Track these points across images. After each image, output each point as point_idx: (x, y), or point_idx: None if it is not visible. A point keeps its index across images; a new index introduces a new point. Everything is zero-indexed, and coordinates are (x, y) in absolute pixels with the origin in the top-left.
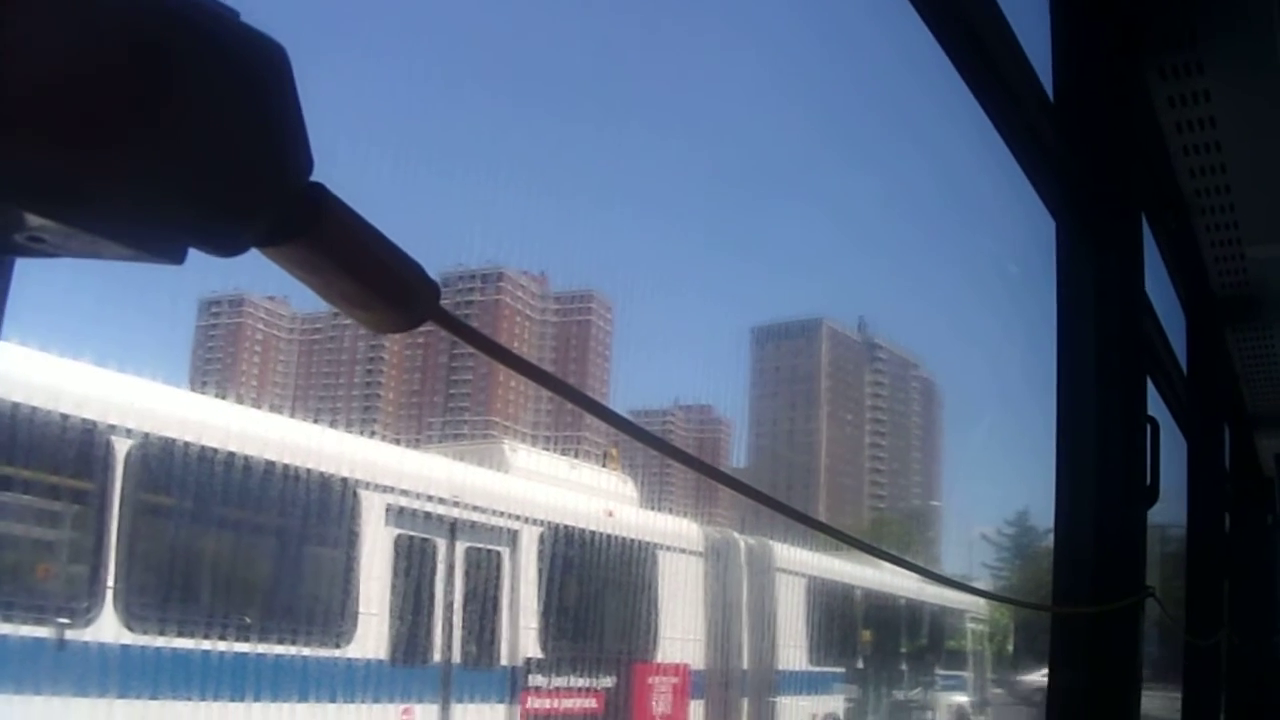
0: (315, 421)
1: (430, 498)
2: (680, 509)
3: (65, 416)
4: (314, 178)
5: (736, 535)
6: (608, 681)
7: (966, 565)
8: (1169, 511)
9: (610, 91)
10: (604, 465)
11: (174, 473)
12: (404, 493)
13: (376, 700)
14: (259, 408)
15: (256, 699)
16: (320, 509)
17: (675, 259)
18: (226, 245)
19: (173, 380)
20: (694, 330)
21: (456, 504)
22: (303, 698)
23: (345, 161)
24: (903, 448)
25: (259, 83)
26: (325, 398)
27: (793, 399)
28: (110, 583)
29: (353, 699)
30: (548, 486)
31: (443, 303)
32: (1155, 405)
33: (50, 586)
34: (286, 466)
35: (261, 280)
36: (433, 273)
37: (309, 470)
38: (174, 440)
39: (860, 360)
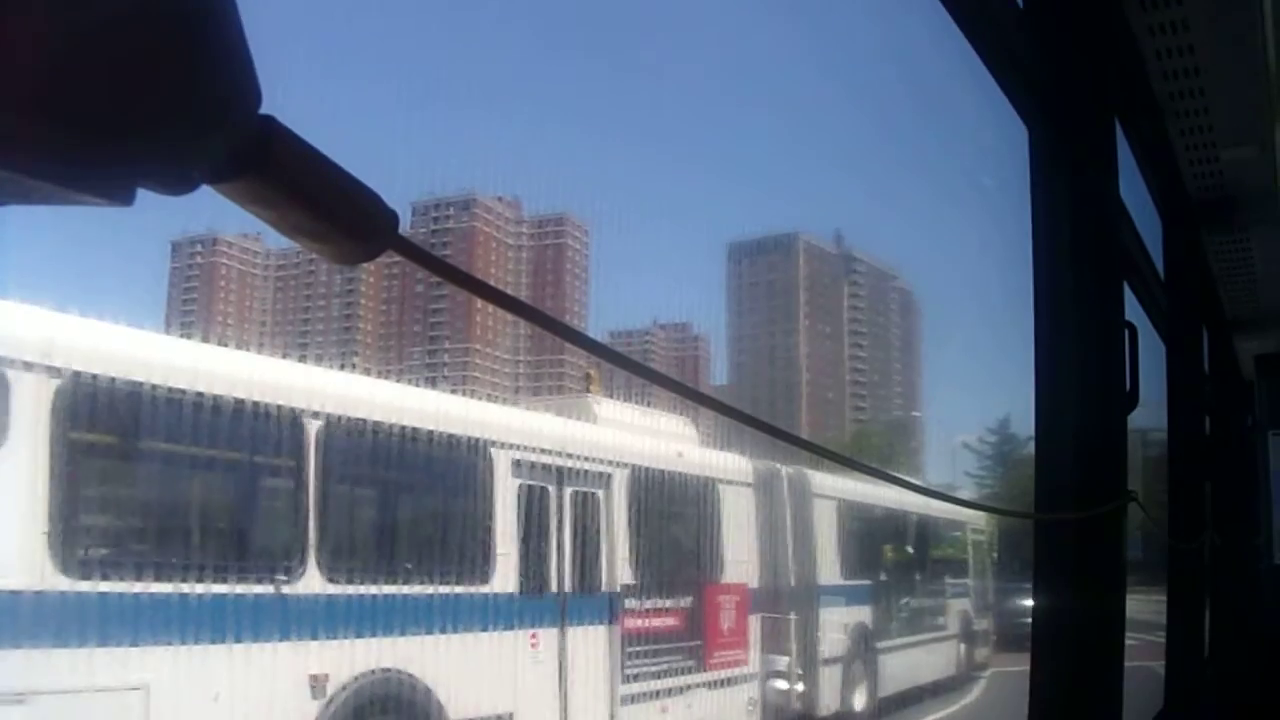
0: (409, 383)
1: (542, 450)
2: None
3: (268, 405)
4: (265, 110)
5: (779, 466)
6: (685, 601)
7: (950, 475)
8: (1150, 416)
9: (578, 7)
10: (586, 388)
11: (353, 448)
12: (523, 448)
13: (510, 628)
14: (383, 379)
15: (428, 632)
16: (464, 468)
17: (648, 178)
18: (176, 183)
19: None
20: (670, 249)
21: (561, 455)
22: (457, 629)
23: (299, 92)
24: (883, 360)
25: (202, 12)
26: (303, 332)
27: (771, 314)
28: (312, 546)
29: (496, 628)
30: (628, 434)
31: (415, 233)
32: (1133, 310)
33: (271, 552)
34: (433, 433)
35: (232, 219)
36: (403, 202)
37: (452, 435)
38: (353, 419)
39: (837, 274)
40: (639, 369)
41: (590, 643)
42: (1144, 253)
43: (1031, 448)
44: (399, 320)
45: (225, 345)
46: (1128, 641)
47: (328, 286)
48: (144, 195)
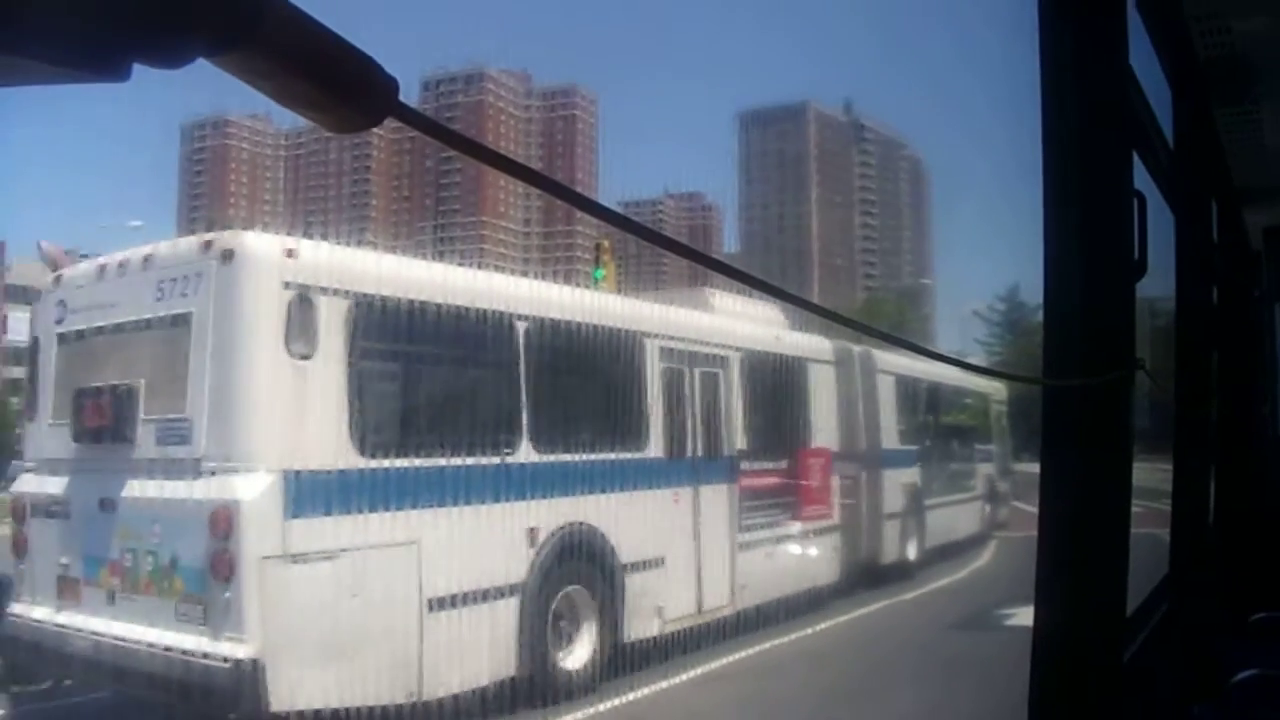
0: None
1: (679, 339)
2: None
3: (490, 312)
4: None
5: (851, 346)
6: (784, 464)
7: (960, 342)
8: (1158, 286)
9: None
10: (597, 258)
11: (547, 344)
12: (665, 337)
13: (659, 486)
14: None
15: (603, 491)
16: (626, 356)
17: (658, 46)
18: (171, 56)
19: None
20: (680, 118)
21: (692, 342)
22: (623, 488)
23: None
24: (893, 227)
25: None
26: (315, 210)
27: (782, 183)
28: (525, 426)
29: (651, 487)
30: (737, 321)
31: (425, 108)
32: (1142, 179)
33: (498, 430)
34: (599, 328)
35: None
36: (412, 78)
37: (617, 329)
38: (548, 320)
39: (847, 142)
40: (652, 235)
41: (715, 500)
42: (1154, 123)
43: (1040, 315)
44: (410, 195)
45: (454, 263)
46: (1134, 508)
47: (339, 165)
48: (141, 71)
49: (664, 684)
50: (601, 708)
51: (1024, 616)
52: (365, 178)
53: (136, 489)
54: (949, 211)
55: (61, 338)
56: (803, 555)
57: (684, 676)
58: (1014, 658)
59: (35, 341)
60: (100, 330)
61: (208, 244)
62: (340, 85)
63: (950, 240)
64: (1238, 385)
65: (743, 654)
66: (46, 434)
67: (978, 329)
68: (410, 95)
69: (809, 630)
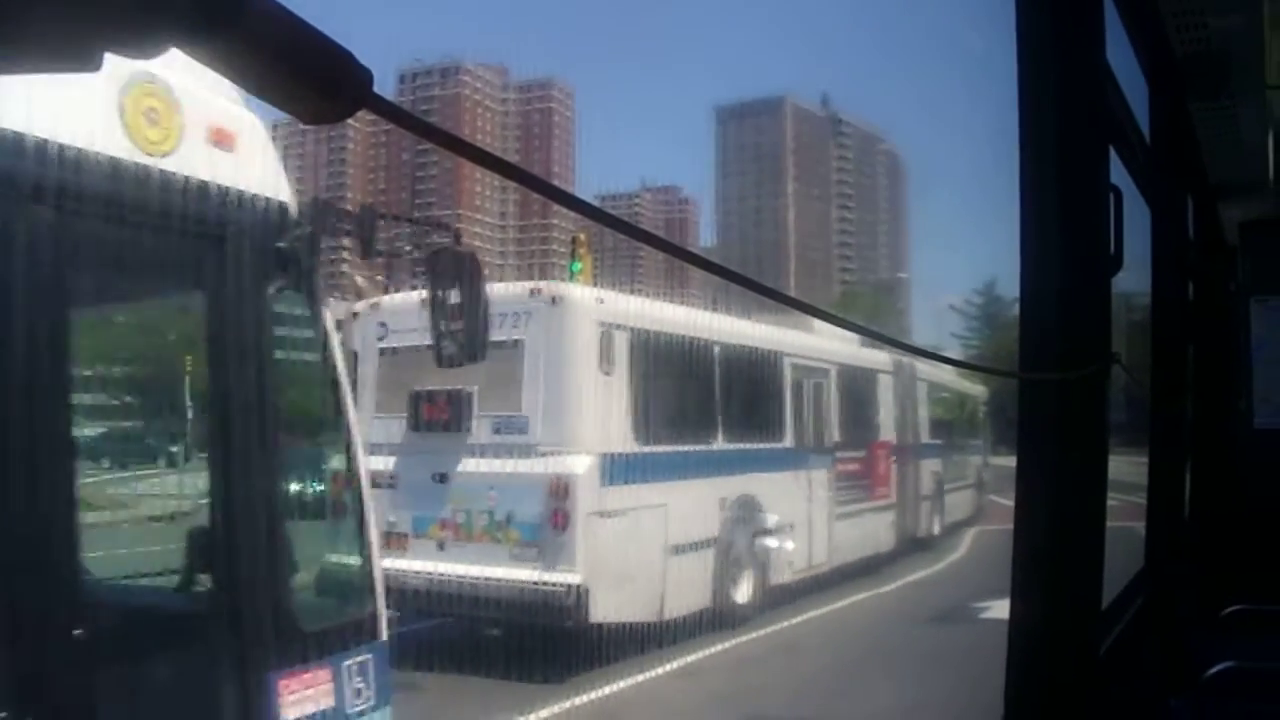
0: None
1: (800, 356)
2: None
3: (697, 339)
4: None
5: (902, 358)
6: (861, 453)
7: (936, 336)
8: (1134, 281)
9: None
10: (573, 251)
11: (729, 361)
12: (793, 355)
13: (789, 469)
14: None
15: (758, 471)
16: (771, 370)
17: (636, 37)
18: (144, 45)
19: None
20: (657, 112)
21: (808, 358)
22: (770, 469)
23: None
24: (870, 222)
25: None
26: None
27: (759, 177)
28: (719, 422)
29: (785, 469)
30: (831, 340)
31: (402, 101)
32: (1118, 174)
33: (700, 428)
34: (756, 349)
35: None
36: (389, 71)
37: (768, 350)
38: (728, 344)
39: (825, 136)
40: (628, 229)
41: (821, 480)
42: (1130, 118)
43: (1016, 310)
44: (386, 188)
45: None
46: (1110, 502)
47: (315, 158)
48: (111, 60)
49: (639, 678)
50: (576, 702)
51: (999, 610)
52: (341, 170)
53: (471, 465)
54: (925, 206)
55: (382, 351)
56: (873, 527)
57: (660, 670)
58: (990, 651)
59: (355, 353)
60: (419, 349)
61: (536, 290)
62: (315, 76)
63: (927, 234)
64: (1213, 380)
65: (718, 648)
66: (369, 424)
67: (954, 323)
68: (386, 88)
69: (784, 624)
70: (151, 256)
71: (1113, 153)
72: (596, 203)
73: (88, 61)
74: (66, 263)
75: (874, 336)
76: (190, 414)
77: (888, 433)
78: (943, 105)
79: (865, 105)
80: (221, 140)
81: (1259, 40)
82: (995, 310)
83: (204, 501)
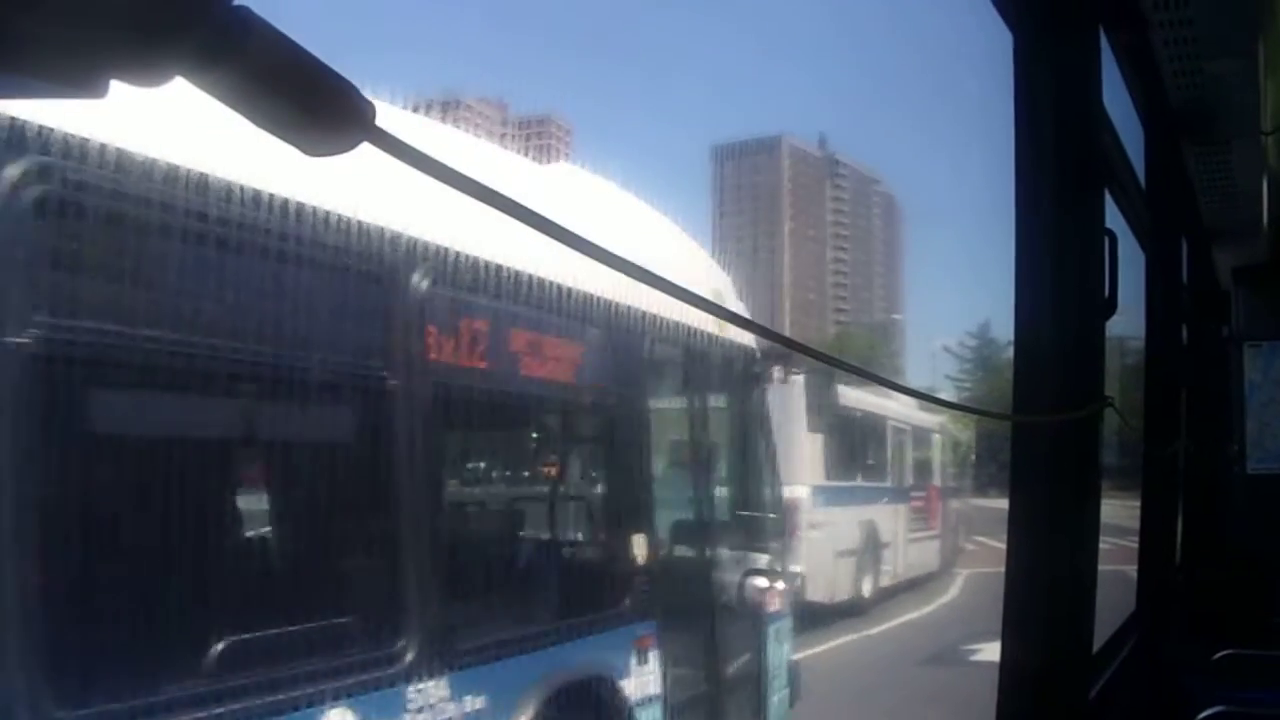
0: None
1: (895, 419)
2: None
3: (845, 405)
4: (240, 2)
5: (944, 418)
6: (921, 493)
7: (930, 378)
8: (1128, 325)
9: None
10: None
11: (862, 424)
12: (892, 419)
13: (888, 503)
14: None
15: (874, 504)
16: (880, 430)
17: (632, 81)
18: (151, 74)
19: None
20: (655, 151)
21: (898, 420)
22: (880, 502)
23: None
24: (865, 263)
25: None
26: None
27: (755, 216)
28: (860, 465)
29: (888, 503)
30: (905, 407)
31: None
32: (1114, 218)
33: (855, 471)
34: (873, 415)
35: None
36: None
37: (877, 415)
38: (862, 410)
39: (821, 177)
40: (632, 269)
41: (900, 513)
42: (1125, 162)
43: (1010, 353)
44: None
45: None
46: (1101, 545)
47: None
48: (116, 87)
49: None
50: None
51: (990, 652)
52: None
53: None
54: (921, 248)
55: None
56: (926, 552)
57: None
58: (980, 693)
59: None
60: None
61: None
62: (318, 108)
63: (921, 276)
64: (1206, 424)
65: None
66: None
67: (948, 365)
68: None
69: None
70: (704, 379)
71: (1108, 196)
72: (591, 240)
73: (94, 89)
74: (669, 381)
75: (869, 378)
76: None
77: (934, 479)
78: (939, 148)
79: (862, 147)
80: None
81: (1254, 86)
82: (989, 353)
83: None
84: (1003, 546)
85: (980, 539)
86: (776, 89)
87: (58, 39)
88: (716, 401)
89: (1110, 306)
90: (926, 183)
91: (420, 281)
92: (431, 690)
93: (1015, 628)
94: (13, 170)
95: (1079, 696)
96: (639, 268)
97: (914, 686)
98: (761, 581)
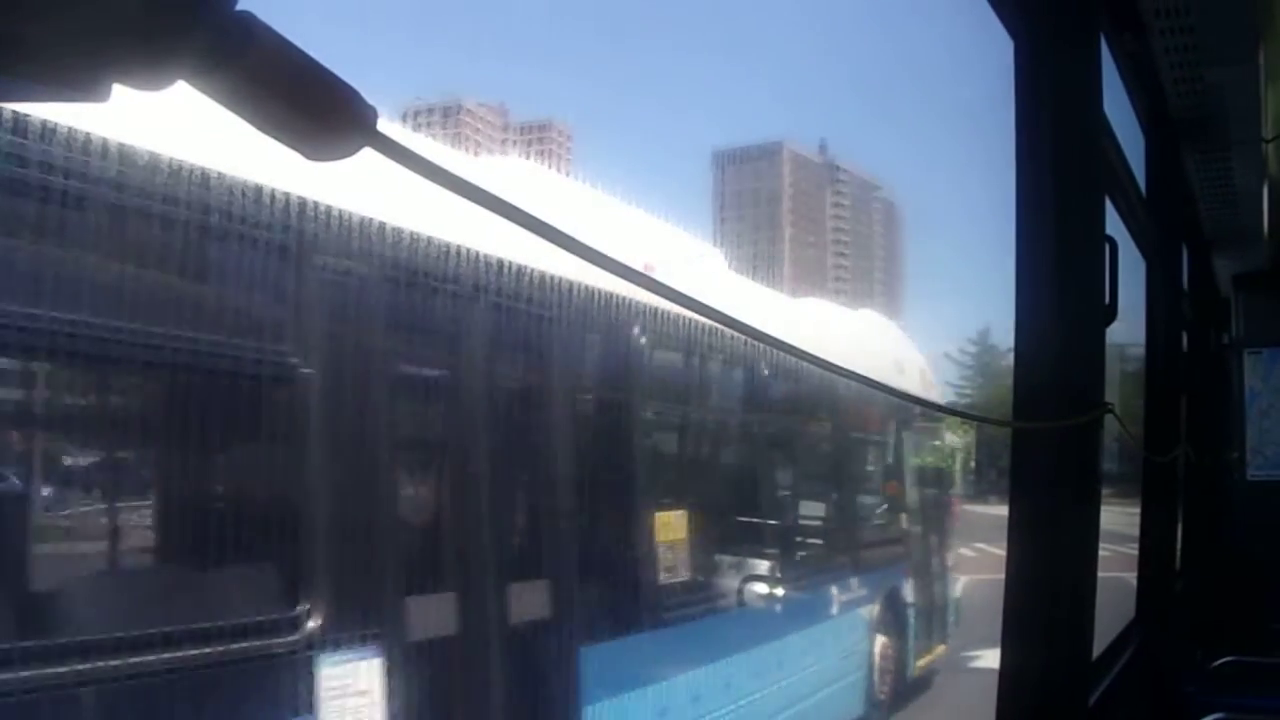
0: None
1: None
2: None
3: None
4: (243, 7)
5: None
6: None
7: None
8: (1129, 332)
9: None
10: None
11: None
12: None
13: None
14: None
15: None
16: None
17: (633, 87)
18: (154, 78)
19: None
20: (654, 155)
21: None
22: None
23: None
24: (865, 269)
25: None
26: None
27: (756, 222)
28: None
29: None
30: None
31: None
32: (1114, 225)
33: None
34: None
35: None
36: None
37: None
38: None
39: (822, 183)
40: (632, 274)
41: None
42: (1126, 169)
43: (1010, 360)
44: None
45: None
46: (1101, 552)
47: None
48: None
49: None
50: None
51: (990, 659)
52: None
53: None
54: (922, 254)
55: None
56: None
57: None
58: (979, 700)
59: None
60: None
61: None
62: (320, 113)
63: (922, 282)
64: (1206, 431)
65: None
66: None
67: (948, 371)
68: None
69: None
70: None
71: (1109, 203)
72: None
73: (96, 93)
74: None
75: (870, 384)
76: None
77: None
78: (940, 154)
79: (863, 153)
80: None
81: (1255, 93)
82: (989, 359)
83: None
84: (1002, 553)
85: (980, 545)
86: (778, 95)
87: (60, 43)
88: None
89: (1111, 313)
90: (927, 189)
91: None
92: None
93: (1015, 634)
94: None
95: (1079, 703)
96: (640, 273)
97: (914, 693)
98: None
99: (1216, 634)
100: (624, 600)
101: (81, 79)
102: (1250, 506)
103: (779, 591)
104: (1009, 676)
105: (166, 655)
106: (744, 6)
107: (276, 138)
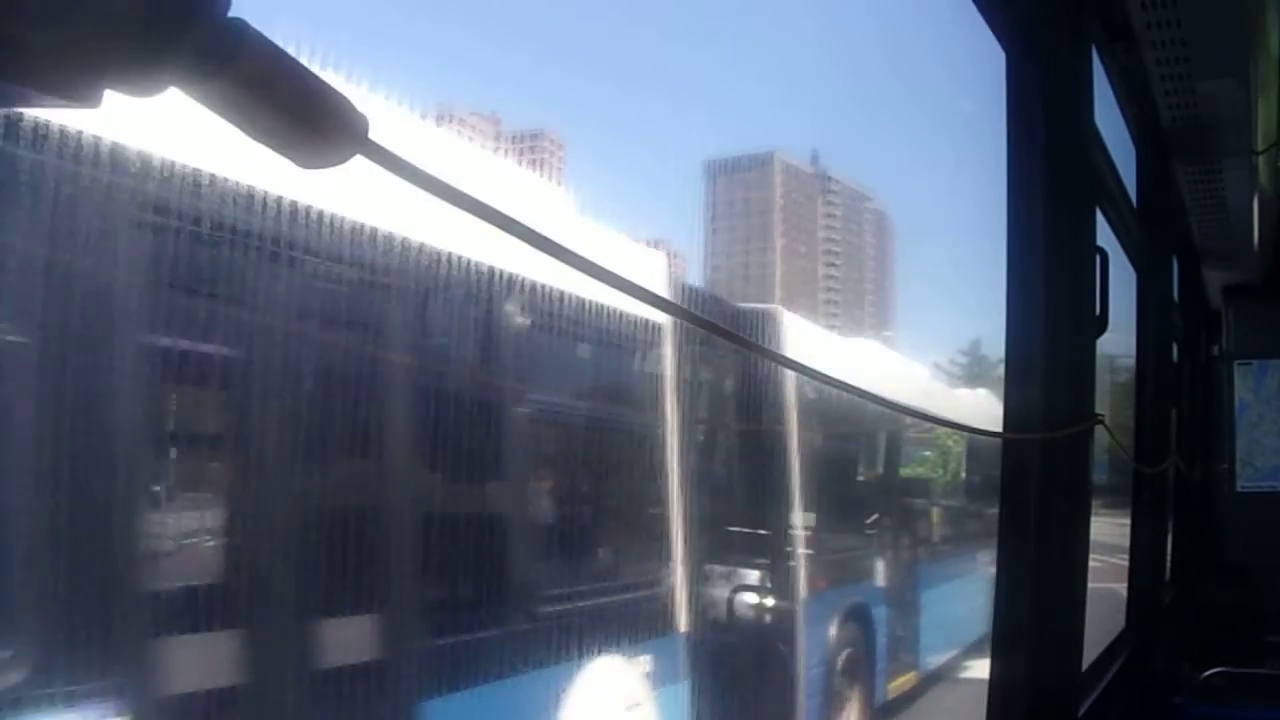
0: None
1: None
2: None
3: None
4: (234, 14)
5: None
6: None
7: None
8: (1119, 343)
9: None
10: None
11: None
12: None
13: None
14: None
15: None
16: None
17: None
18: (145, 84)
19: None
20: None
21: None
22: None
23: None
24: (856, 279)
25: None
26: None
27: (748, 232)
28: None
29: None
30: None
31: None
32: (1105, 236)
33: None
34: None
35: None
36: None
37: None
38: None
39: (813, 193)
40: (625, 285)
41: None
42: (1117, 181)
43: (1001, 371)
44: None
45: None
46: (1091, 563)
47: None
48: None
49: None
50: None
51: (979, 669)
52: None
53: None
54: (913, 264)
55: None
56: None
57: None
58: (969, 709)
59: None
60: None
61: None
62: (312, 121)
63: (913, 293)
64: (1196, 442)
65: None
66: None
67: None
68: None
69: None
70: None
71: (1099, 214)
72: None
73: (88, 99)
74: None
75: (860, 395)
76: None
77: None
78: (931, 165)
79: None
80: None
81: (1246, 106)
82: (980, 370)
83: None
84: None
85: None
86: (769, 105)
87: (52, 49)
88: None
89: (1101, 324)
90: (918, 200)
91: None
92: None
93: (1005, 645)
94: None
95: (1068, 714)
96: (626, 280)
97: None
98: None
99: (1206, 645)
100: None
101: (74, 84)
102: (1240, 517)
103: None
104: (999, 686)
105: None
106: (738, 16)
107: (269, 146)
